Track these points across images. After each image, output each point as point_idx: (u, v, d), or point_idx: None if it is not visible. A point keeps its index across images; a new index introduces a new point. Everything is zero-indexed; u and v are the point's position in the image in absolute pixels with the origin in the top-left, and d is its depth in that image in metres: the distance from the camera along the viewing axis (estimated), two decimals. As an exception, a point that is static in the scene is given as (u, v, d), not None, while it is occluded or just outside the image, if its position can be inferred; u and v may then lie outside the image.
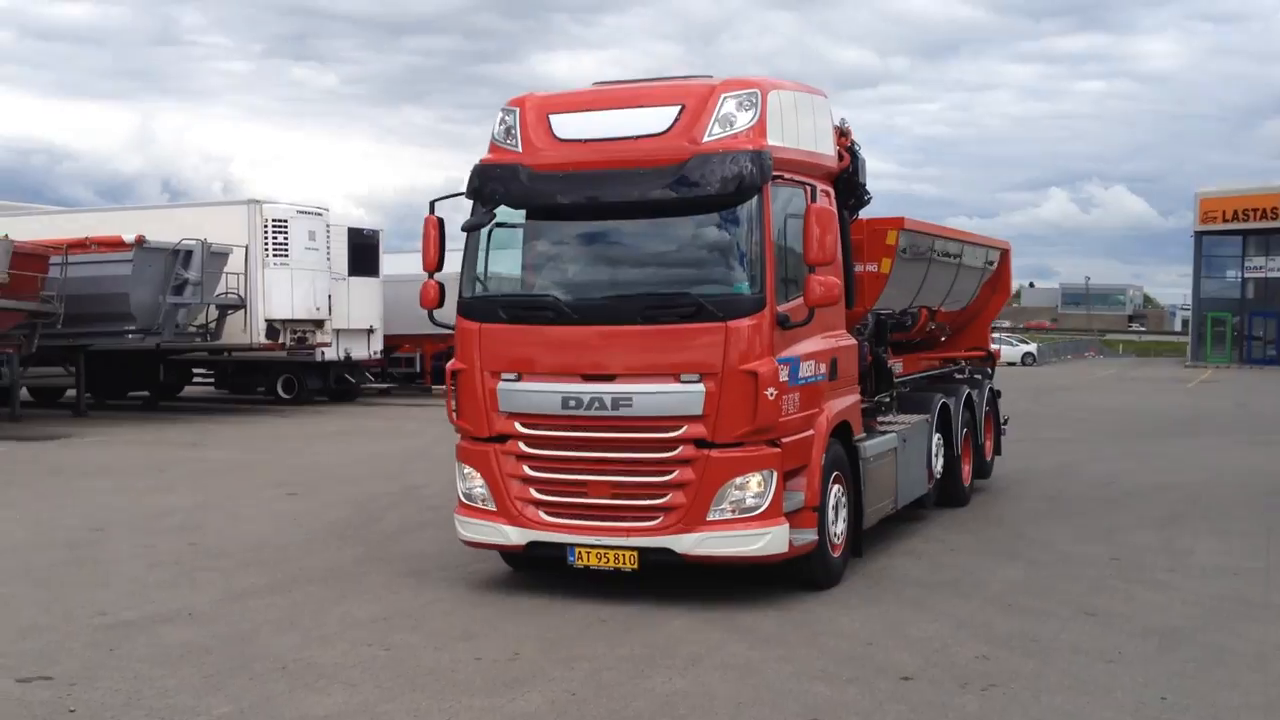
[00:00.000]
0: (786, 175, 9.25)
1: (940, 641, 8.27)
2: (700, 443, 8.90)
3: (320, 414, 28.23)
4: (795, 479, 9.26)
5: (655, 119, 9.18)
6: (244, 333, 27.62)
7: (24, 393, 27.84)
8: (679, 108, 9.14)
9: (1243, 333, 63.92)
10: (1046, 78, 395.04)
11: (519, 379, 9.32)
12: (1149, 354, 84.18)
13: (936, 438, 12.95)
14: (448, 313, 9.70)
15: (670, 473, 8.98)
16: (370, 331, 31.24)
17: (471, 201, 9.62)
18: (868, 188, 11.47)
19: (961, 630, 8.57)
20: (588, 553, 9.13)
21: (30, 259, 23.17)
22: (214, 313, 27.06)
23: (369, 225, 32.13)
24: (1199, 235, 64.79)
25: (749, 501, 8.92)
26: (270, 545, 11.73)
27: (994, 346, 17.04)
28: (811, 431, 9.44)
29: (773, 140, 9.18)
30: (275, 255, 27.76)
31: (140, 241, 24.50)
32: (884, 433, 11.43)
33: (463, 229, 9.67)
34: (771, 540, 8.92)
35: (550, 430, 9.24)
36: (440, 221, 9.78)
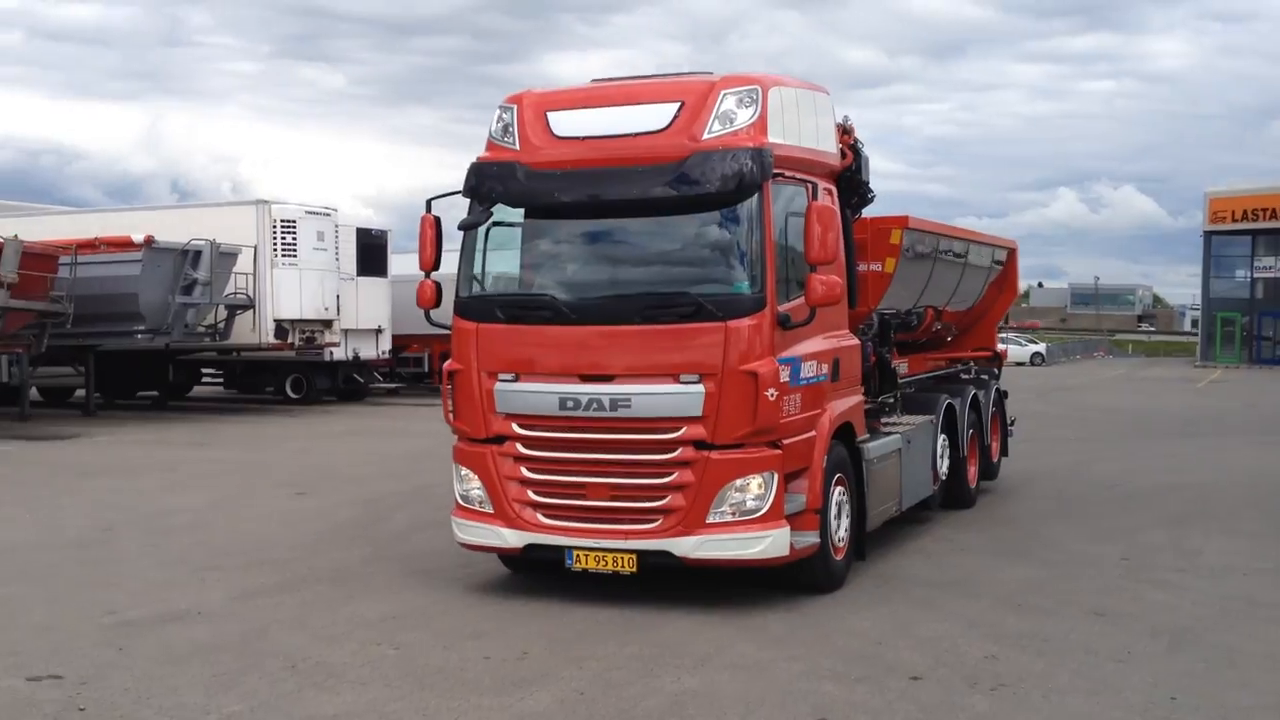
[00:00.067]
0: (787, 173, 9.12)
1: (950, 641, 8.25)
2: (700, 444, 8.78)
3: (329, 414, 28.26)
4: (797, 481, 9.15)
5: (654, 116, 9.06)
6: (253, 333, 27.67)
7: (33, 392, 27.91)
8: (678, 104, 9.02)
9: (1252, 333, 63.79)
10: (1055, 77, 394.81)
11: (516, 379, 9.20)
12: (1158, 354, 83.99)
13: (942, 439, 12.86)
14: (445, 312, 9.61)
15: (669, 474, 8.86)
16: (378, 331, 31.28)
17: (468, 200, 9.53)
18: (871, 186, 11.35)
19: (971, 630, 8.55)
20: (586, 555, 9.01)
21: (40, 259, 23.21)
22: (223, 313, 27.11)
23: (377, 225, 32.18)
24: (1208, 235, 64.66)
25: (749, 504, 8.80)
26: (279, 544, 11.75)
27: (1000, 346, 16.92)
28: (813, 433, 9.32)
29: (773, 137, 9.06)
30: (284, 255, 27.81)
31: (149, 242, 24.54)
32: (888, 434, 11.31)
33: (459, 228, 9.55)
34: (772, 543, 8.81)
35: (548, 431, 9.13)
36: (437, 220, 9.66)
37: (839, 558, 9.72)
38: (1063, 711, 6.89)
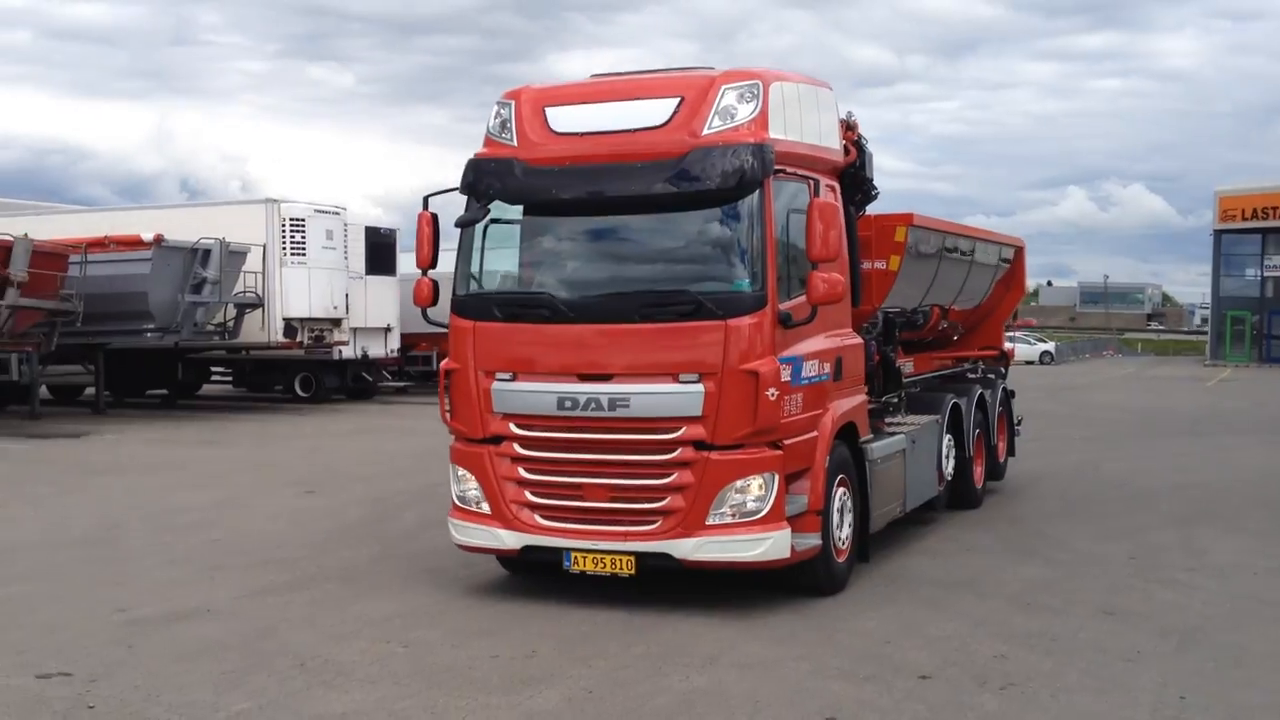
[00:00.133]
0: (789, 169, 8.97)
1: (958, 640, 8.25)
2: (699, 444, 8.66)
3: (337, 412, 28.30)
4: (798, 482, 9.02)
5: (654, 111, 8.93)
6: (262, 331, 27.73)
7: (43, 390, 27.97)
8: (678, 100, 8.89)
9: (1262, 331, 63.55)
10: (1064, 76, 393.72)
11: (514, 379, 9.09)
12: (1168, 353, 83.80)
13: (947, 439, 12.74)
14: (442, 311, 9.50)
15: (668, 475, 8.74)
16: (387, 330, 31.31)
17: (466, 197, 9.40)
18: (875, 183, 11.18)
19: (979, 629, 8.55)
20: (584, 557, 8.89)
21: (50, 258, 23.31)
22: (232, 311, 27.15)
23: (386, 224, 32.19)
24: (1218, 234, 64.46)
25: (749, 505, 8.67)
26: (288, 543, 11.77)
27: (1008, 345, 16.84)
28: (815, 433, 9.19)
29: (775, 133, 8.93)
30: (293, 254, 27.86)
31: (159, 240, 24.61)
32: (892, 434, 11.16)
33: (456, 225, 9.38)
34: (773, 545, 8.69)
35: (546, 431, 9.01)
36: (434, 217, 9.51)
37: (841, 560, 9.59)
38: (1071, 710, 6.88)
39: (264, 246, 27.26)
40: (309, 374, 30.92)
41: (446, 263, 9.45)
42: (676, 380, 8.68)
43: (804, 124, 9.57)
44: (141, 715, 6.82)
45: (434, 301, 9.55)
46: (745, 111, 8.82)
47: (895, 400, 11.94)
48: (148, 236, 24.63)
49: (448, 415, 9.48)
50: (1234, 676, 7.52)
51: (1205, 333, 76.56)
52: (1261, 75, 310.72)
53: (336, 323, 29.31)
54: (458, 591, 9.73)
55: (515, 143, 9.27)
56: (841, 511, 9.64)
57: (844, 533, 9.67)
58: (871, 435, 10.50)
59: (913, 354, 13.08)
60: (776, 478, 8.72)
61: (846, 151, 10.55)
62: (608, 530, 8.88)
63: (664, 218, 9.16)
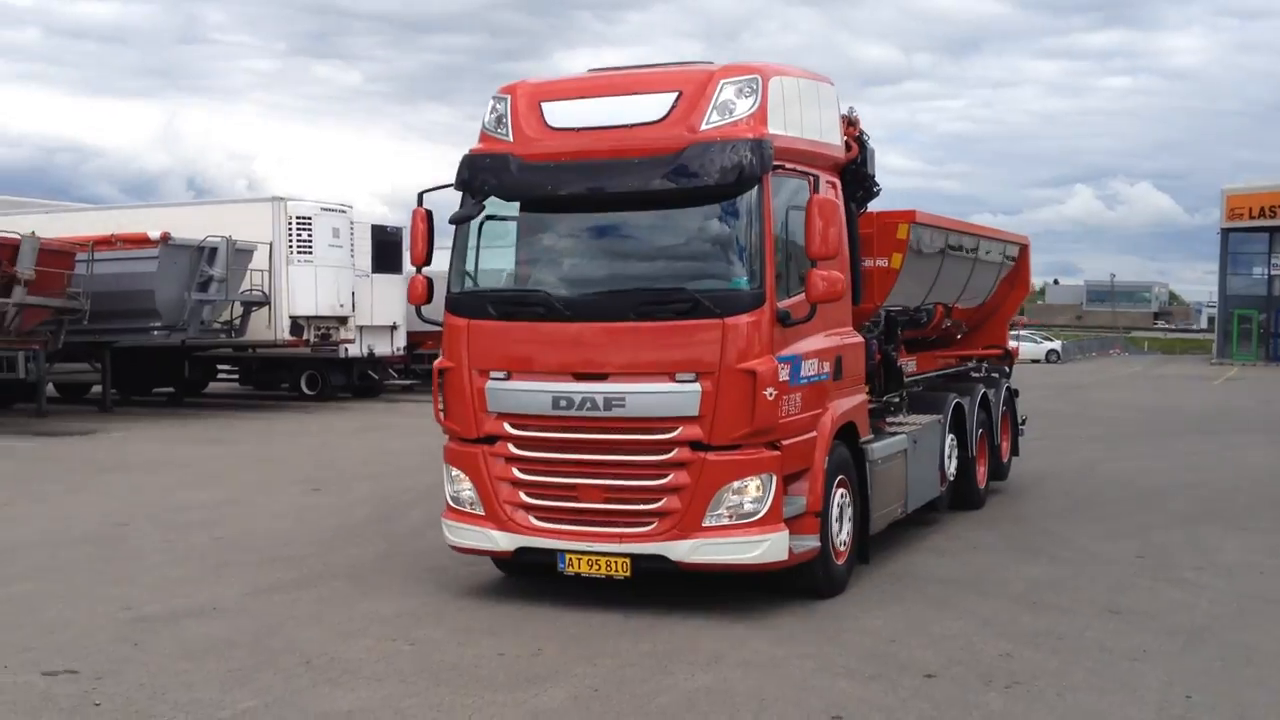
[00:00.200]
0: (788, 165, 8.83)
1: (964, 639, 8.24)
2: (696, 445, 8.52)
3: (344, 410, 28.32)
4: (796, 483, 8.90)
5: (651, 106, 8.80)
6: (268, 329, 27.74)
7: (50, 388, 28.03)
8: (676, 94, 8.75)
9: (1269, 330, 63.48)
10: (1071, 74, 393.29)
11: (508, 378, 8.97)
12: (1174, 351, 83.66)
13: (950, 439, 12.63)
14: (437, 309, 9.40)
15: (665, 476, 8.60)
16: (393, 328, 31.31)
17: (461, 193, 9.25)
18: (877, 179, 11.05)
19: (985, 628, 8.53)
20: (579, 559, 8.77)
21: (57, 256, 23.33)
22: (238, 309, 27.17)
23: (392, 223, 32.15)
24: (1225, 232, 64.38)
25: (747, 507, 8.54)
26: (294, 541, 11.78)
27: (1012, 344, 16.77)
28: (814, 433, 9.05)
29: (774, 128, 8.79)
30: (299, 252, 27.87)
31: (165, 238, 24.62)
32: (893, 434, 11.03)
33: (451, 222, 9.26)
34: (770, 547, 8.55)
35: (540, 431, 8.89)
36: (429, 214, 9.35)
37: (840, 562, 9.46)
38: (1077, 710, 6.87)
39: (270, 245, 27.27)
40: (315, 372, 30.94)
41: (442, 261, 9.37)
42: (673, 379, 8.55)
43: (804, 119, 9.44)
44: (148, 713, 6.82)
45: (428, 299, 9.46)
46: (744, 106, 8.69)
47: (897, 399, 11.81)
48: (154, 235, 24.65)
49: (441, 415, 9.39)
50: (1242, 675, 7.51)
51: (1212, 331, 76.42)
52: (1269, 73, 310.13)
53: (343, 321, 29.33)
54: (463, 590, 9.73)
55: (511, 138, 9.13)
56: (841, 513, 9.50)
57: (843, 534, 9.53)
58: (872, 435, 10.36)
59: (916, 352, 13.02)
60: (774, 479, 8.60)
61: (848, 147, 10.40)
62: (602, 532, 8.76)
63: (661, 214, 9.04)
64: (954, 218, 13.95)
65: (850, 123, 10.65)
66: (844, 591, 9.48)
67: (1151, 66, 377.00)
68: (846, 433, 9.70)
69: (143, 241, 24.79)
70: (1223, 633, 8.50)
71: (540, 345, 8.94)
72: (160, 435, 22.56)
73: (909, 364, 12.39)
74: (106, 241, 24.73)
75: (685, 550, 8.58)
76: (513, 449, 9.02)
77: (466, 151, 9.36)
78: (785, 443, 8.74)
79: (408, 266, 32.86)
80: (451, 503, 9.43)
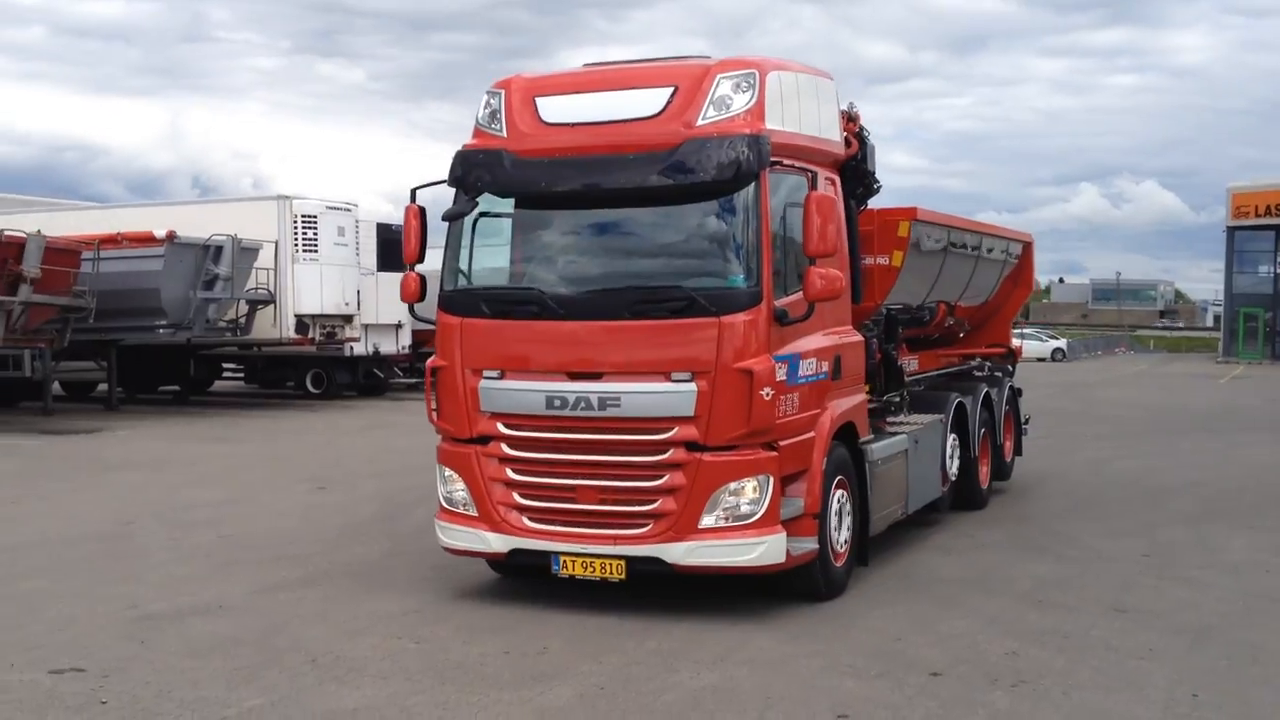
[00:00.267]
0: (786, 161, 8.74)
1: (970, 637, 8.23)
2: (692, 445, 8.40)
3: (349, 409, 28.34)
4: (794, 484, 8.77)
5: (647, 101, 8.64)
6: (273, 328, 27.77)
7: (56, 387, 28.05)
8: (672, 89, 8.60)
9: (1275, 329, 63.37)
10: (1076, 72, 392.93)
11: (501, 377, 8.84)
12: (1180, 350, 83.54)
13: (952, 438, 12.53)
14: (430, 307, 9.29)
15: (660, 477, 8.48)
16: (399, 327, 31.32)
17: (454, 190, 9.11)
18: (878, 176, 10.95)
19: (991, 626, 8.52)
20: (573, 561, 8.65)
21: (63, 254, 23.37)
22: (244, 308, 27.20)
23: (397, 221, 32.16)
24: (1231, 230, 64.25)
25: (743, 508, 8.40)
26: (300, 539, 11.79)
27: (1015, 343, 16.69)
28: (812, 434, 8.93)
29: (772, 124, 8.65)
30: (305, 251, 27.89)
31: (171, 237, 24.66)
32: (894, 434, 10.92)
33: (444, 219, 9.14)
34: (767, 550, 8.42)
35: (534, 431, 8.77)
36: (422, 211, 9.22)
37: (839, 564, 9.34)
38: (1083, 708, 6.86)
39: (276, 243, 27.29)
40: (320, 370, 30.97)
41: (436, 258, 9.30)
42: (668, 379, 8.43)
43: (802, 115, 9.30)
44: (154, 711, 6.83)
45: (421, 297, 9.34)
46: (741, 101, 8.56)
47: (897, 399, 11.66)
48: (160, 233, 24.68)
49: (434, 414, 9.31)
50: (1248, 674, 7.50)
51: (1218, 330, 76.29)
52: (1275, 71, 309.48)
53: (348, 319, 29.36)
54: (469, 588, 9.73)
55: (505, 134, 8.98)
56: (839, 514, 9.38)
57: (842, 536, 9.41)
58: (872, 435, 10.25)
59: (918, 351, 12.94)
60: (771, 480, 8.47)
61: (848, 144, 10.29)
62: (597, 534, 8.64)
63: (657, 211, 8.94)
64: (953, 214, 13.85)
65: (850, 118, 10.54)
66: (843, 593, 9.40)
67: (1157, 64, 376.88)
68: (846, 433, 9.60)
69: (148, 240, 24.82)
70: (1229, 631, 8.48)
71: (534, 344, 8.83)
72: (165, 433, 22.58)
73: (910, 363, 12.30)
74: (112, 240, 24.75)
75: (681, 552, 8.48)
76: (506, 449, 8.91)
77: (460, 147, 9.24)
78: (783, 443, 8.64)
79: (412, 265, 33.13)
80: (445, 503, 9.33)
